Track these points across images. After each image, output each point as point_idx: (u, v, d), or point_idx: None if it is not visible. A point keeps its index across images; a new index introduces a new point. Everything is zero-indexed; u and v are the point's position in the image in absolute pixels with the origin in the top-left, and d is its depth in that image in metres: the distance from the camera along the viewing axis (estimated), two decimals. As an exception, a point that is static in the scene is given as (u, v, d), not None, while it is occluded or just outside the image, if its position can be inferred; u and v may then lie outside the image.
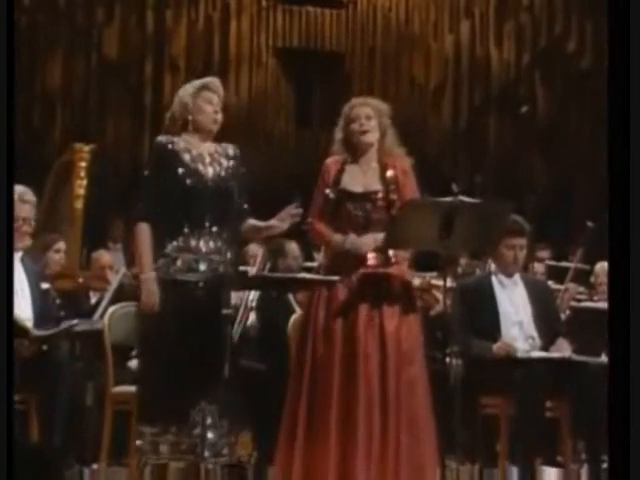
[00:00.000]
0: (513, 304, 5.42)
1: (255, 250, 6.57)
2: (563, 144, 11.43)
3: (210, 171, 4.54)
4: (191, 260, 4.46)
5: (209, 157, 4.57)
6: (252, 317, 6.10)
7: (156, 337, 4.43)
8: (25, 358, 4.80)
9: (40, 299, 5.19)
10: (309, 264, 6.82)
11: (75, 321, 5.15)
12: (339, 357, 4.50)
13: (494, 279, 5.48)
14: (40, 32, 10.70)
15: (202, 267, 4.46)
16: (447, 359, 4.79)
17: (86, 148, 7.37)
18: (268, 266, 6.09)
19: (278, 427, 4.59)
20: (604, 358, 5.10)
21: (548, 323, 5.44)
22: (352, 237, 4.60)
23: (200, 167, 4.52)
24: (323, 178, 4.72)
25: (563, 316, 6.25)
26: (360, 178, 4.69)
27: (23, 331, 4.85)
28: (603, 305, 5.65)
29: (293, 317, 5.36)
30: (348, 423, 4.43)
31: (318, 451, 4.44)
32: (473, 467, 5.34)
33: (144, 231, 4.46)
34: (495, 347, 5.23)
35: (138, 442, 4.45)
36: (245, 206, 4.61)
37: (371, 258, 4.62)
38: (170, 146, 4.50)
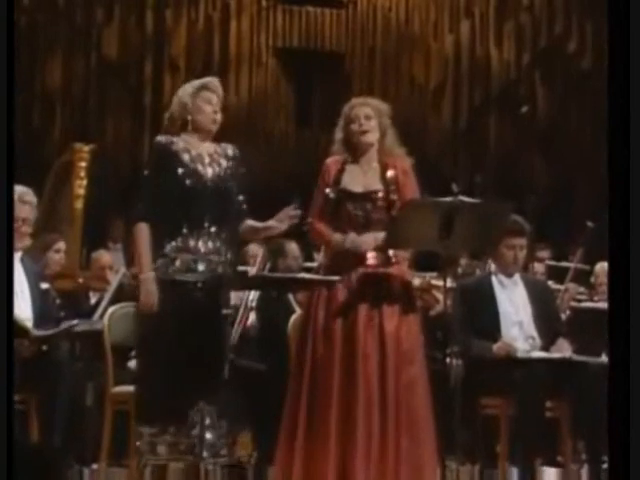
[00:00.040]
0: (513, 304, 5.42)
1: (255, 250, 6.57)
2: (563, 144, 11.43)
3: (209, 171, 4.53)
4: (190, 260, 4.46)
5: (208, 157, 4.57)
6: (252, 317, 6.10)
7: (154, 337, 4.43)
8: (25, 358, 4.80)
9: (40, 299, 5.19)
10: (309, 264, 6.82)
11: (75, 321, 5.15)
12: (339, 357, 4.49)
13: (494, 279, 5.48)
14: (40, 32, 10.70)
15: (201, 267, 4.46)
16: (447, 359, 4.79)
17: (86, 148, 7.37)
18: (268, 266, 6.09)
19: (278, 427, 4.59)
20: (604, 358, 5.09)
21: (548, 323, 5.44)
22: (352, 236, 4.60)
23: (199, 167, 4.52)
24: (323, 178, 4.72)
25: (563, 316, 6.25)
26: (360, 178, 4.69)
27: (23, 331, 4.85)
28: (603, 305, 5.65)
29: (293, 317, 5.36)
30: (348, 423, 4.43)
31: (318, 451, 4.44)
32: (473, 467, 5.34)
33: (143, 231, 4.46)
34: (495, 347, 5.23)
35: (137, 443, 4.45)
36: (244, 206, 4.60)
37: (371, 258, 4.62)
38: (170, 146, 4.50)
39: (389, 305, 4.57)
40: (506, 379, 5.07)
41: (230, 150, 4.64)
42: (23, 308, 5.02)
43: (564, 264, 7.83)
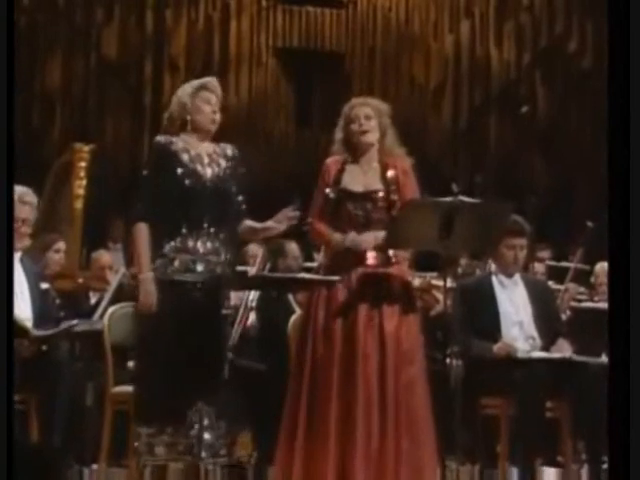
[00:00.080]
0: (513, 304, 5.42)
1: (255, 250, 6.57)
2: (563, 144, 11.42)
3: (209, 172, 4.53)
4: (188, 261, 4.45)
5: (208, 158, 4.56)
6: (252, 317, 6.10)
7: (153, 337, 4.43)
8: (25, 358, 4.80)
9: (40, 299, 5.19)
10: (309, 264, 6.82)
11: (75, 321, 5.15)
12: (339, 357, 4.49)
13: (494, 279, 5.48)
14: (39, 32, 10.70)
15: (199, 268, 4.46)
16: (447, 359, 4.79)
17: (86, 148, 7.36)
18: (268, 266, 6.09)
19: (278, 427, 4.58)
20: (604, 358, 5.09)
21: (548, 323, 5.44)
22: (352, 234, 4.60)
23: (199, 167, 4.51)
24: (323, 178, 4.72)
25: (563, 316, 6.24)
26: (360, 178, 4.69)
27: (23, 331, 4.85)
28: (603, 305, 5.65)
29: (293, 317, 5.36)
30: (347, 423, 4.43)
31: (318, 451, 4.43)
32: (473, 468, 5.34)
33: (142, 231, 4.46)
34: (495, 347, 5.23)
35: (135, 443, 4.45)
36: (243, 207, 4.60)
37: (371, 258, 4.62)
38: (169, 146, 4.50)
39: (389, 305, 4.56)
40: (506, 379, 5.07)
41: (229, 150, 4.64)
42: (23, 308, 5.02)
43: (564, 264, 7.83)
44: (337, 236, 4.63)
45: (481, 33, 11.67)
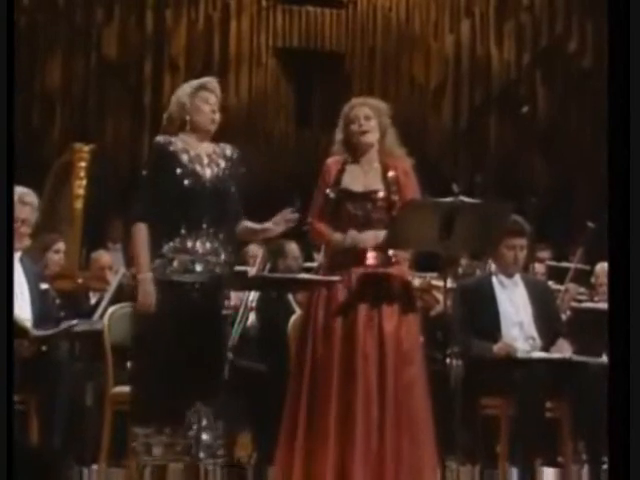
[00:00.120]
0: (513, 304, 5.42)
1: (255, 250, 6.57)
2: (563, 144, 11.42)
3: (208, 172, 4.53)
4: (187, 261, 4.45)
5: (207, 158, 4.56)
6: (252, 317, 6.10)
7: (152, 338, 4.42)
8: (25, 358, 4.80)
9: (39, 299, 5.19)
10: (309, 264, 6.82)
11: (75, 321, 5.14)
12: (338, 357, 4.49)
13: (494, 279, 5.48)
14: (39, 32, 10.69)
15: (198, 268, 4.45)
16: (447, 360, 4.79)
17: (85, 148, 7.36)
18: (268, 266, 6.09)
19: (278, 427, 4.58)
20: (604, 359, 5.09)
21: (548, 323, 5.44)
22: (353, 233, 4.60)
23: (198, 168, 4.51)
24: (324, 178, 4.72)
25: (563, 317, 6.24)
26: (361, 178, 4.69)
27: (23, 331, 4.85)
28: (603, 306, 5.65)
29: (293, 317, 5.36)
30: (347, 423, 4.43)
31: (317, 451, 4.43)
32: (473, 468, 5.34)
33: (141, 231, 4.45)
34: (495, 347, 5.23)
35: (133, 443, 4.45)
36: (241, 207, 4.60)
37: (371, 258, 4.62)
38: (168, 146, 4.50)
39: (389, 305, 4.56)
40: (506, 379, 5.07)
41: (228, 150, 4.64)
42: (23, 308, 5.02)
43: (564, 264, 7.83)
44: (337, 236, 4.63)
45: (481, 33, 11.66)
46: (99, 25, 10.92)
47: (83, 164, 7.28)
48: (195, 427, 4.41)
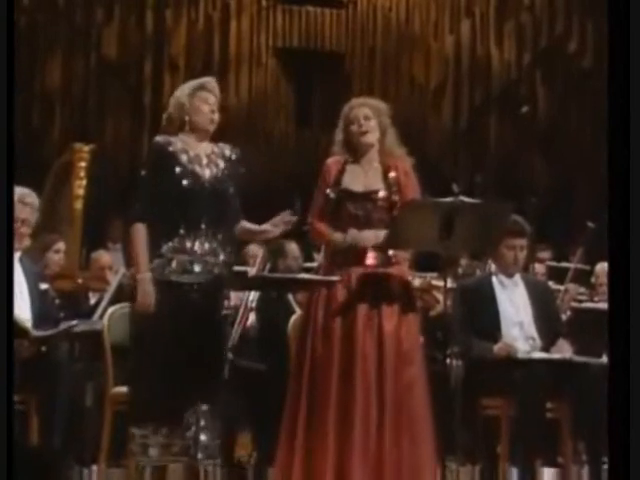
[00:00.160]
0: (514, 305, 5.42)
1: (255, 250, 6.57)
2: (563, 144, 11.41)
3: (207, 172, 4.53)
4: (186, 261, 4.44)
5: (206, 158, 4.56)
6: (252, 317, 6.10)
7: (150, 338, 4.42)
8: (25, 359, 4.79)
9: (39, 300, 5.19)
10: (309, 264, 6.81)
11: (74, 322, 5.14)
12: (338, 357, 4.49)
13: (494, 279, 5.48)
14: (40, 32, 10.68)
15: (197, 268, 4.45)
16: (447, 360, 4.79)
17: (85, 148, 7.36)
18: (268, 266, 6.09)
19: (278, 427, 4.58)
20: (604, 359, 5.09)
21: (548, 324, 5.44)
22: (353, 232, 4.60)
23: (197, 168, 4.51)
24: (324, 178, 4.72)
25: (564, 317, 6.24)
26: (361, 178, 4.69)
27: (22, 332, 4.84)
28: (603, 306, 5.64)
29: (293, 317, 5.36)
30: (346, 423, 4.43)
31: (317, 450, 4.43)
32: (474, 468, 5.35)
33: (140, 231, 4.45)
34: (496, 348, 5.22)
35: (130, 444, 4.45)
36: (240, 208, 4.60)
37: (371, 258, 4.62)
38: (167, 147, 4.50)
39: (388, 305, 4.56)
40: (506, 380, 5.07)
41: (228, 150, 4.64)
42: (23, 309, 5.01)
43: (564, 264, 7.83)
44: (337, 236, 4.63)
45: (481, 33, 11.65)
46: (99, 25, 10.91)
47: (83, 164, 7.27)
48: (193, 428, 4.40)
